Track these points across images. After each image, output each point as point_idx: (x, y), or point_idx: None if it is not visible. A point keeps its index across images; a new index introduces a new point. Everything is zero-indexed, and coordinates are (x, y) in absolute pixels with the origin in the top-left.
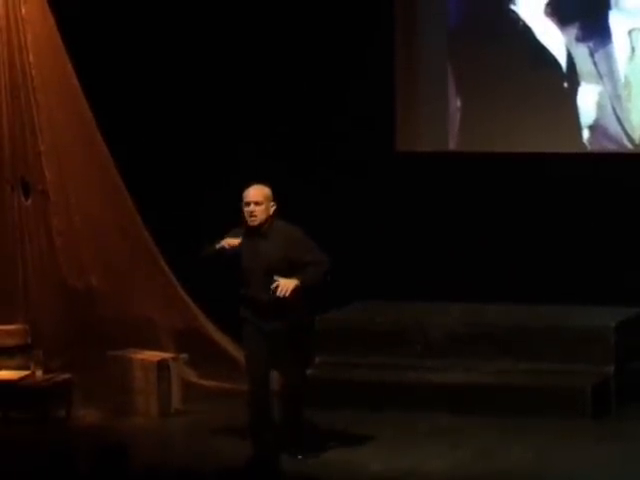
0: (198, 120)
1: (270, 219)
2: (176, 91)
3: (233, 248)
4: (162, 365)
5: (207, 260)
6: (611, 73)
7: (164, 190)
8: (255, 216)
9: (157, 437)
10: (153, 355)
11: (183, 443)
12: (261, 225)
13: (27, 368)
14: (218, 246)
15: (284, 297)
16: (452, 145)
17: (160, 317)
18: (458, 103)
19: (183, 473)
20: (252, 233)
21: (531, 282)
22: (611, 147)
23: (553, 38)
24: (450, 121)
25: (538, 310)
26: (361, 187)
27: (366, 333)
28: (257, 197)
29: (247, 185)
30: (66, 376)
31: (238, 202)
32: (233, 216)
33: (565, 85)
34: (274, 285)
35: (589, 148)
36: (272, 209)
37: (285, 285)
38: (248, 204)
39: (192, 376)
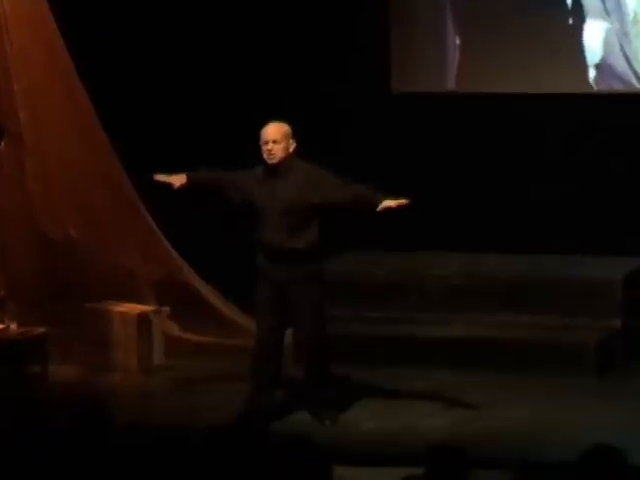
0: (183, 60)
1: (289, 158)
2: (162, 32)
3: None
4: (143, 318)
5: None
6: (619, 9)
7: (147, 134)
8: (273, 154)
9: (138, 394)
10: (133, 308)
11: (165, 401)
12: (280, 164)
13: (1, 322)
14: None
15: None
16: (450, 85)
17: (141, 268)
18: (457, 41)
19: (165, 432)
20: (270, 173)
21: (534, 231)
22: (619, 87)
23: None
24: (449, 60)
25: (541, 260)
26: (355, 131)
27: (358, 286)
28: (275, 135)
29: (256, 126)
30: (41, 330)
31: (228, 146)
32: (222, 161)
33: (570, 22)
34: (383, 207)
35: (595, 88)
36: (292, 147)
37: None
38: (266, 142)
39: (175, 330)
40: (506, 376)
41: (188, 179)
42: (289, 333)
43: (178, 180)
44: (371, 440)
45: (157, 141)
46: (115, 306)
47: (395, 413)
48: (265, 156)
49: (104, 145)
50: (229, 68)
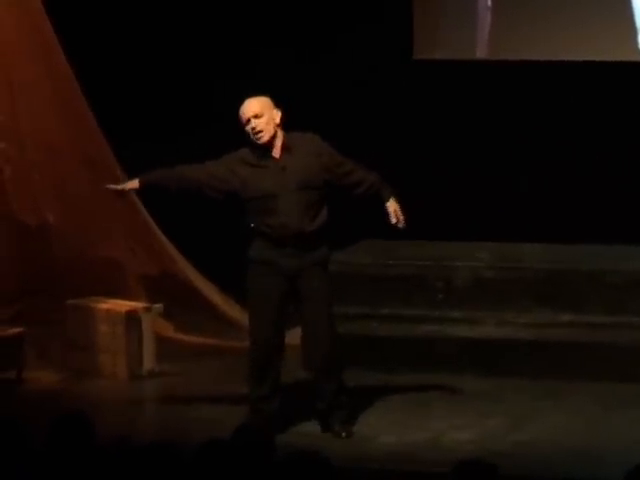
0: (182, 26)
1: (278, 129)
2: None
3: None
4: (131, 317)
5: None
6: None
7: (136, 110)
8: (261, 130)
9: (125, 404)
10: (121, 305)
11: (156, 411)
12: (272, 139)
13: None
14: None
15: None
16: (480, 53)
17: (130, 260)
18: (489, 1)
19: (157, 447)
20: (264, 152)
21: (575, 217)
22: None
23: None
24: (478, 23)
25: (583, 250)
26: (371, 101)
27: (376, 279)
28: (255, 108)
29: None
30: (17, 330)
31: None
32: (217, 144)
33: None
34: (389, 209)
35: None
36: (278, 117)
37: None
38: (248, 120)
39: (168, 330)
40: (544, 382)
41: (140, 183)
42: (296, 333)
43: (129, 185)
44: (390, 455)
45: (149, 126)
46: (100, 303)
47: (417, 425)
48: (252, 137)
49: (89, 125)
50: (238, 42)
